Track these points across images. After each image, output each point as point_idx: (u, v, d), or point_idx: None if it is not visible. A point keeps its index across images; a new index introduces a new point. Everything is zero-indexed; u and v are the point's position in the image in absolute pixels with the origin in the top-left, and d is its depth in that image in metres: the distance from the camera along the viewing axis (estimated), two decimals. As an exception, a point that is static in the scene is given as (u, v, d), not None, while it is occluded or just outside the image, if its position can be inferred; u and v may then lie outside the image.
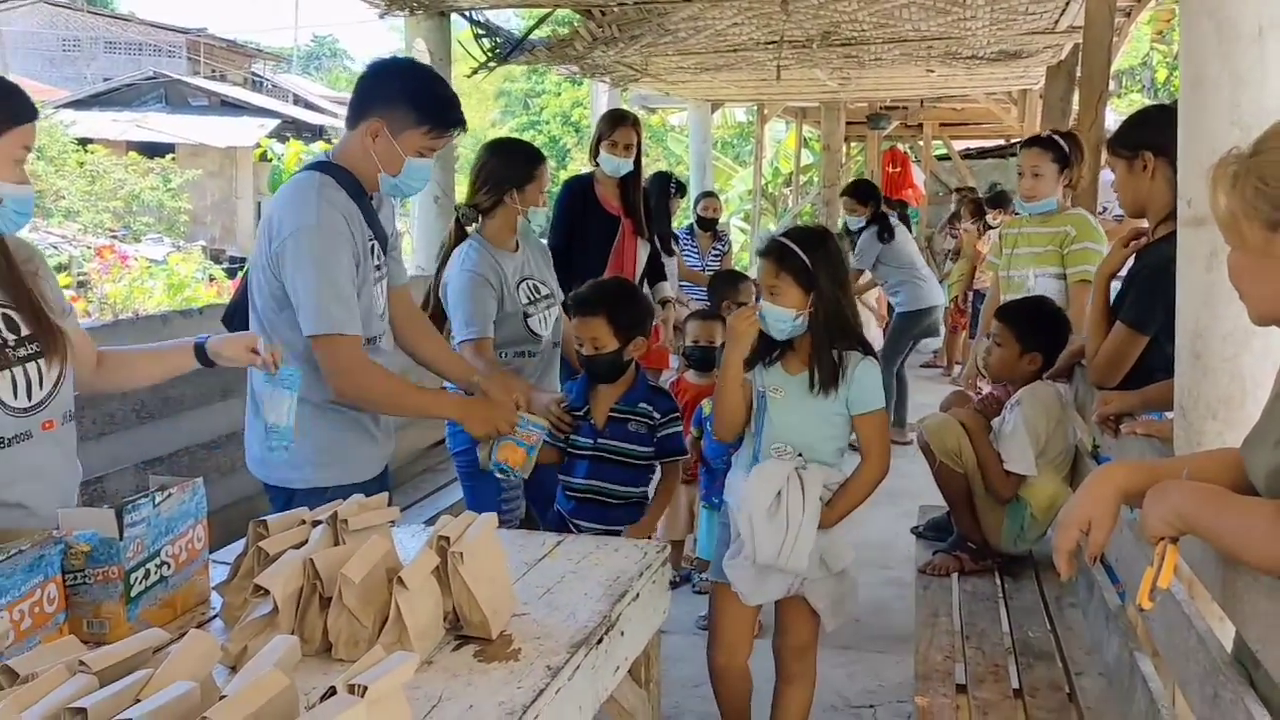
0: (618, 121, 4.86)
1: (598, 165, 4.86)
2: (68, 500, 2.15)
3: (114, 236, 18.13)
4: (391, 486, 2.86)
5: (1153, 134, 2.87)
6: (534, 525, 3.28)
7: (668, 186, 6.92)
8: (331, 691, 1.36)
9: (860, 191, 7.41)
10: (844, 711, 3.55)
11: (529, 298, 3.35)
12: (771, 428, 2.76)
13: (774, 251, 2.71)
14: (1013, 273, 4.25)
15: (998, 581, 3.27)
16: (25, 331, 2.04)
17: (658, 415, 3.07)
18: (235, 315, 2.80)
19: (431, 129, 2.59)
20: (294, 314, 2.51)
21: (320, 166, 2.60)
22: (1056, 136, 4.24)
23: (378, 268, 2.68)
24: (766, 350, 2.77)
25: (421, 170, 2.64)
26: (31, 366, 2.05)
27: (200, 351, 2.40)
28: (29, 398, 2.04)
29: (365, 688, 1.36)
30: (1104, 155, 4.10)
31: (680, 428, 3.13)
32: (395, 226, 2.88)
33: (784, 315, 2.68)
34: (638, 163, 4.83)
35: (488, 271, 3.25)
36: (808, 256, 2.67)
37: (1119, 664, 2.45)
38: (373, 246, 2.64)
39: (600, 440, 3.08)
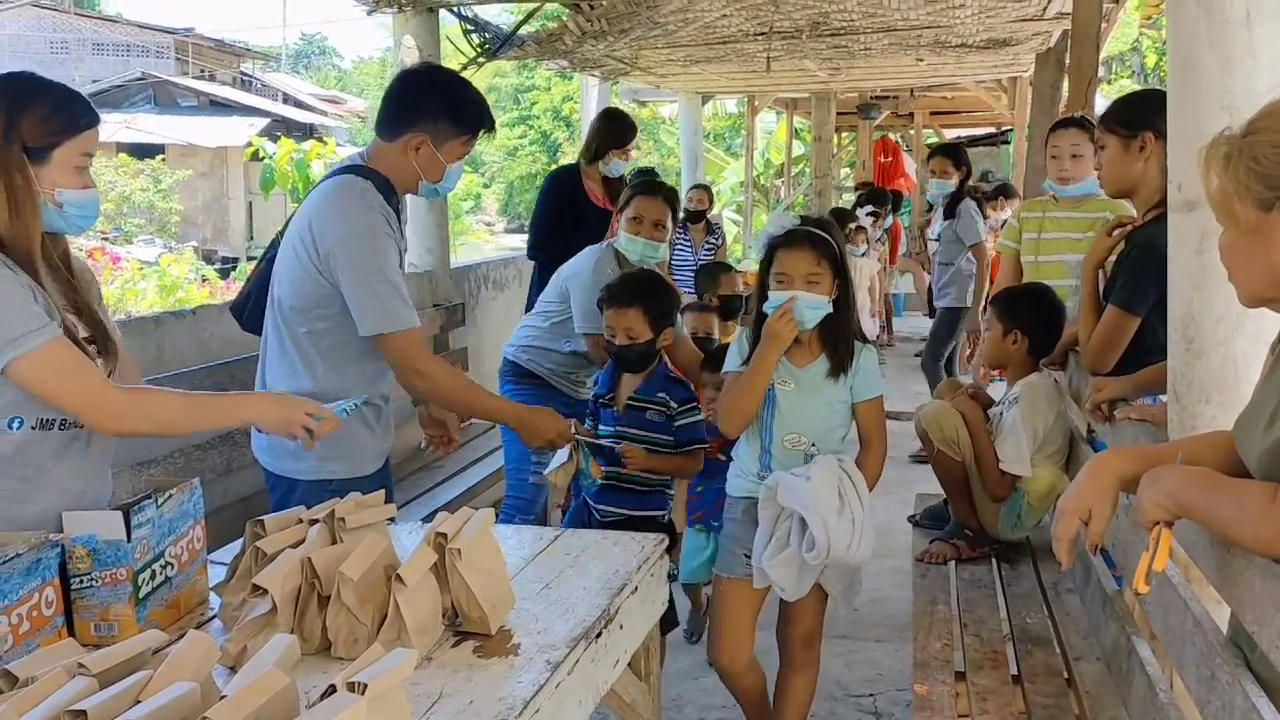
0: (628, 129, 5.10)
1: (593, 164, 4.96)
2: (102, 496, 2.18)
3: (105, 238, 18.08)
4: (393, 480, 2.89)
5: (1155, 116, 2.82)
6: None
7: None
8: (331, 690, 1.37)
9: (955, 153, 6.68)
10: (843, 700, 3.56)
11: None
12: (783, 420, 2.77)
13: (808, 240, 2.71)
14: (1041, 258, 4.07)
15: (995, 568, 3.28)
16: (84, 333, 2.09)
17: (675, 405, 3.09)
18: (245, 308, 2.84)
19: (471, 137, 2.72)
20: (332, 314, 2.57)
21: (358, 171, 2.66)
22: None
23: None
24: None
25: (458, 171, 2.77)
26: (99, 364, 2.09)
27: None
28: None
29: (365, 685, 1.36)
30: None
31: (699, 416, 3.13)
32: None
33: (820, 303, 2.70)
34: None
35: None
36: (835, 242, 2.72)
37: (1117, 648, 2.46)
38: (401, 251, 2.72)
39: (619, 428, 3.10)
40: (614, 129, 5.15)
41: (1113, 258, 3.03)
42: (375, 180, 2.63)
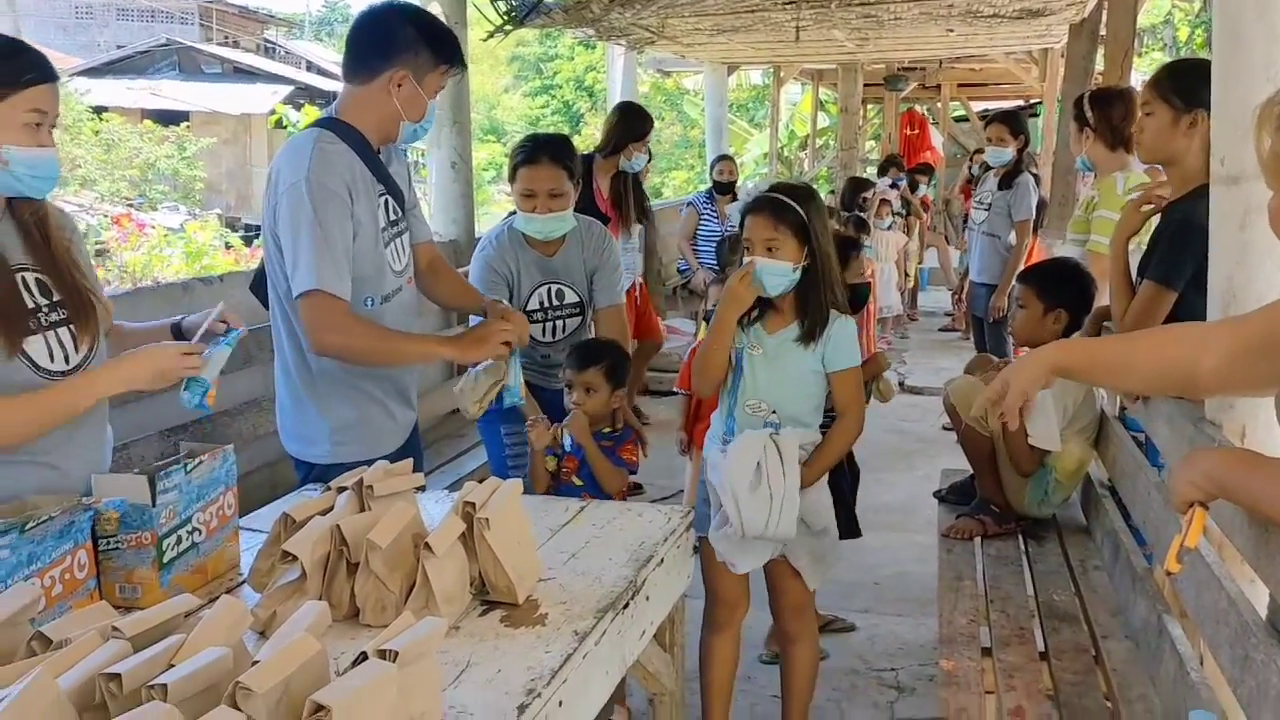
0: (647, 121, 5.15)
1: (609, 159, 4.96)
2: (99, 464, 2.15)
3: (130, 205, 18.15)
4: (420, 457, 2.87)
5: (1209, 91, 2.80)
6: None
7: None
8: (363, 657, 1.36)
9: (1013, 120, 6.33)
10: (865, 674, 3.56)
11: (542, 303, 3.37)
12: (746, 385, 2.77)
13: (768, 206, 2.69)
14: (1070, 237, 4.11)
15: (1021, 545, 3.26)
16: (57, 297, 2.05)
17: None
18: (261, 283, 2.80)
19: (449, 67, 2.61)
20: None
21: (321, 123, 2.58)
22: (1085, 95, 4.16)
23: (394, 223, 2.65)
24: (747, 310, 2.76)
25: (433, 110, 2.64)
26: (64, 331, 2.05)
27: (177, 330, 2.33)
28: (66, 362, 2.04)
29: (396, 653, 1.36)
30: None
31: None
32: (411, 181, 2.85)
33: (782, 270, 2.67)
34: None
35: (498, 264, 3.32)
36: (802, 209, 2.67)
37: (1146, 627, 2.44)
38: (385, 201, 2.61)
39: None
40: (633, 122, 5.14)
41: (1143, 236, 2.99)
42: (341, 131, 2.53)
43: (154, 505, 1.87)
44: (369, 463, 2.20)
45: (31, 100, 1.95)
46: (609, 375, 3.03)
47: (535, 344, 3.35)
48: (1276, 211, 1.54)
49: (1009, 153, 6.10)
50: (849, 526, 3.21)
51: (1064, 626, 2.71)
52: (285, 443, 2.70)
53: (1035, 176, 6.31)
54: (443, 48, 2.58)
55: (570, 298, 3.40)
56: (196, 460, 1.99)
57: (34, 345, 1.98)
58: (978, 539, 3.30)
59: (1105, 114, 4.00)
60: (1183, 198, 2.87)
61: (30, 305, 1.99)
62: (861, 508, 3.43)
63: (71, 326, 2.06)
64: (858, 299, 4.03)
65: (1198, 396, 2.24)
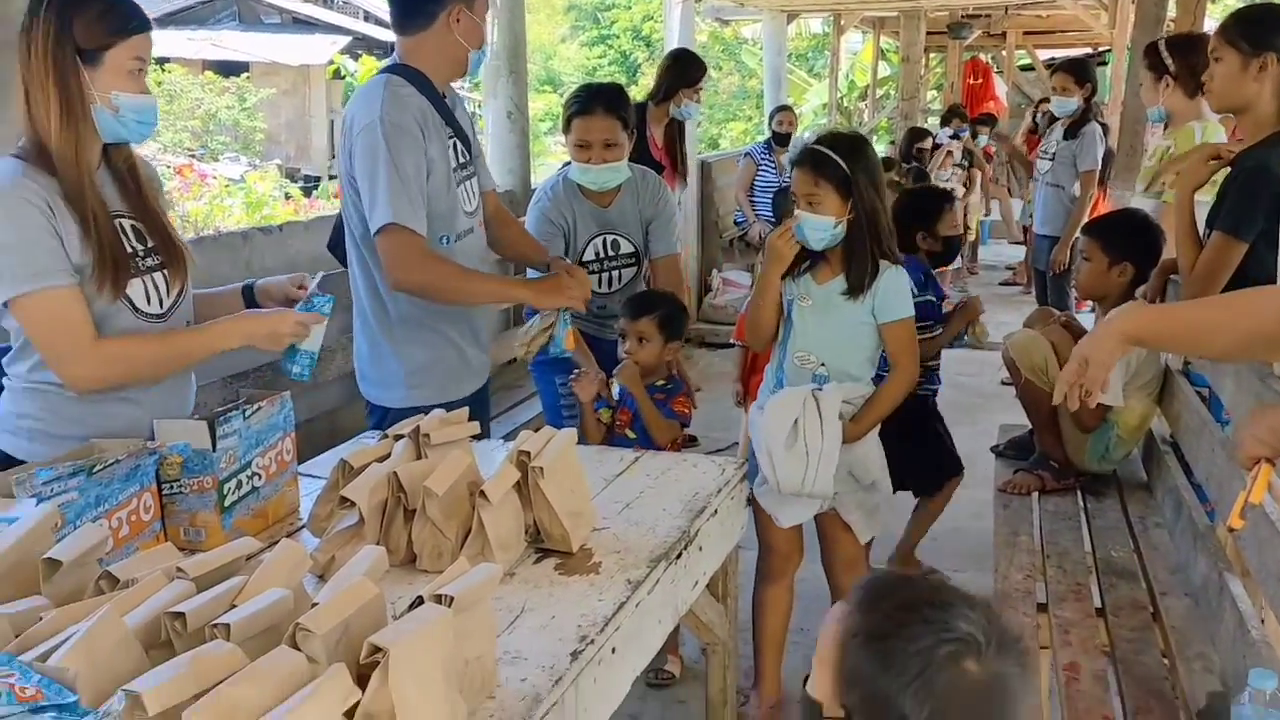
0: (699, 67, 5.06)
1: (661, 105, 4.92)
2: (183, 408, 2.22)
3: (192, 155, 18.37)
4: (488, 406, 2.93)
5: None
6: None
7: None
8: (419, 601, 1.39)
9: (1080, 68, 6.08)
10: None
11: (598, 253, 3.36)
12: (796, 337, 2.76)
13: (810, 159, 2.66)
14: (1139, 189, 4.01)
15: (1080, 501, 3.21)
16: (150, 243, 2.11)
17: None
18: (338, 243, 2.84)
19: None
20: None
21: (389, 69, 2.62)
22: (1161, 43, 4.03)
23: (463, 165, 2.68)
24: (797, 261, 2.74)
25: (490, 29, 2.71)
26: (159, 276, 2.11)
27: (248, 294, 2.39)
28: (160, 305, 2.11)
29: (451, 598, 1.38)
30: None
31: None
32: (474, 127, 2.87)
33: (823, 224, 2.64)
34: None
35: (555, 216, 3.29)
36: (845, 162, 2.63)
37: (1206, 584, 2.40)
38: (454, 144, 2.64)
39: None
40: (686, 69, 5.07)
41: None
42: (409, 75, 2.57)
43: (214, 450, 1.91)
44: (448, 407, 2.22)
45: (135, 48, 2.03)
46: (662, 326, 3.03)
47: (592, 294, 3.35)
48: None
49: (1075, 102, 5.94)
50: (954, 464, 3.62)
51: (1122, 583, 2.68)
52: (362, 388, 2.76)
53: (1103, 126, 6.13)
54: None
55: (625, 248, 3.39)
56: (255, 406, 2.02)
57: (134, 288, 2.05)
58: (1035, 494, 3.26)
59: (1187, 61, 3.87)
60: (1254, 146, 2.78)
61: (129, 250, 2.06)
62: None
63: (165, 271, 2.12)
64: (950, 252, 4.00)
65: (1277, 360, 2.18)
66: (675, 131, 5.26)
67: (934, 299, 3.58)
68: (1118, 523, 3.05)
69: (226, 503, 1.95)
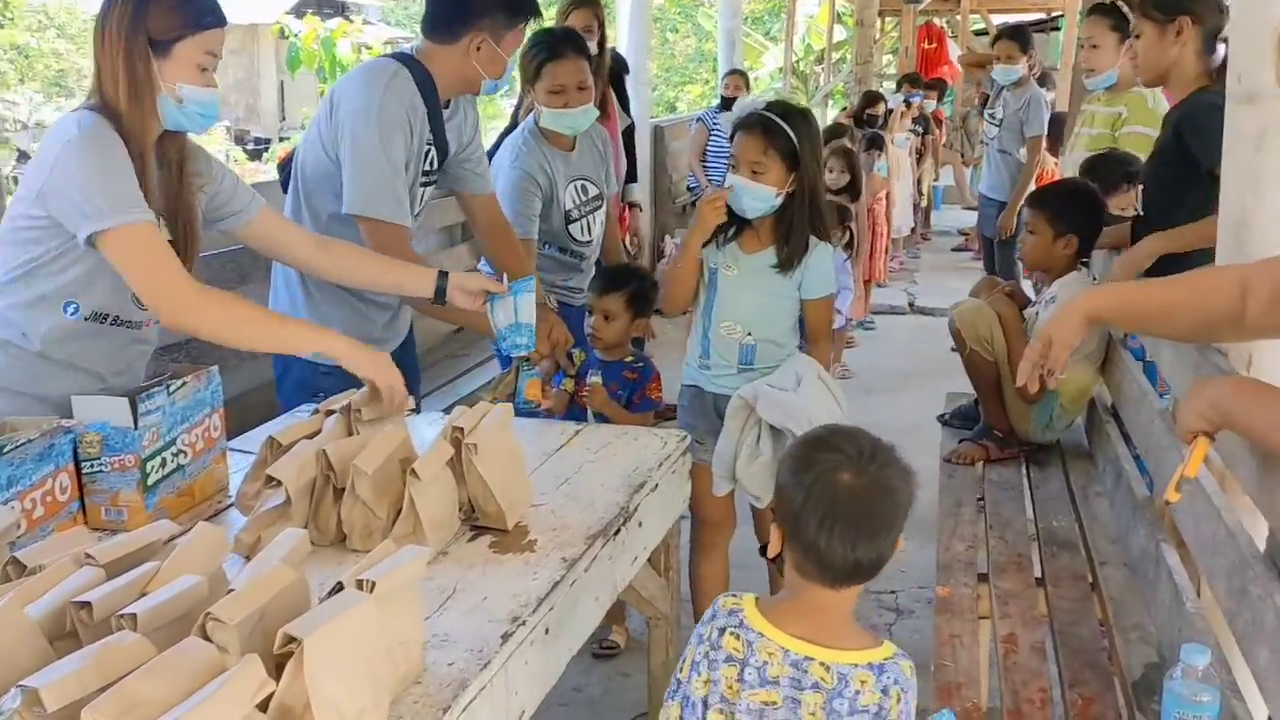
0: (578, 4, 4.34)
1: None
2: (137, 379, 2.21)
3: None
4: (415, 374, 2.89)
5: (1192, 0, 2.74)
6: None
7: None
8: (339, 587, 1.34)
9: (1022, 36, 6.21)
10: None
11: (575, 200, 3.33)
12: (723, 306, 2.75)
13: (760, 125, 2.63)
14: (1072, 155, 4.02)
15: (1024, 470, 3.23)
16: (169, 237, 2.10)
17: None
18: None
19: (526, 23, 2.67)
20: (338, 191, 2.52)
21: (401, 58, 2.61)
22: (1121, 3, 4.00)
23: (426, 173, 2.68)
24: (722, 228, 2.72)
25: (513, 63, 2.72)
26: None
27: (439, 288, 2.39)
28: None
29: (373, 584, 1.34)
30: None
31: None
32: (477, 134, 2.88)
33: (765, 194, 2.62)
34: (601, 45, 4.33)
35: (536, 171, 3.22)
36: (794, 134, 2.60)
37: (1144, 555, 2.41)
38: (428, 152, 2.65)
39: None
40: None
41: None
42: (417, 73, 2.57)
43: (136, 427, 1.85)
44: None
45: (207, 43, 2.05)
46: (630, 302, 3.00)
47: (573, 246, 3.36)
48: None
49: (1018, 70, 5.98)
50: None
51: (1062, 553, 2.69)
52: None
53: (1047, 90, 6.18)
54: (519, 6, 2.62)
55: (592, 191, 3.39)
56: (180, 382, 1.97)
57: None
58: (980, 464, 3.27)
59: None
60: (1183, 101, 2.83)
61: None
62: (869, 429, 3.40)
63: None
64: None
65: (1240, 340, 2.15)
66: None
67: None
68: (1060, 492, 3.07)
69: (150, 481, 1.89)
